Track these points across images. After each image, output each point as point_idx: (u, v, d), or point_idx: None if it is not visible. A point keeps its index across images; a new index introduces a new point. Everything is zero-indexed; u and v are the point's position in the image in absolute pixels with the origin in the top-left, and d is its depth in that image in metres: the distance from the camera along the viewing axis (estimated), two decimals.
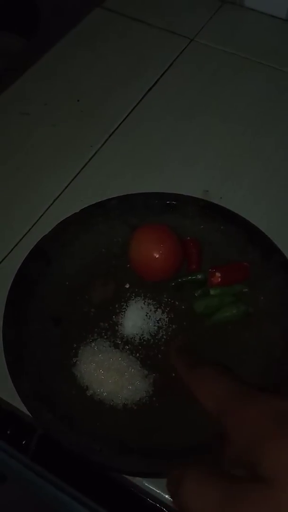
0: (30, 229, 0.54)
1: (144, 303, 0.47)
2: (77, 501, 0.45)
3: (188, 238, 0.49)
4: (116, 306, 0.47)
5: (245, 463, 0.27)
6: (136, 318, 0.46)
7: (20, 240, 0.53)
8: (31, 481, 0.48)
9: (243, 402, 0.30)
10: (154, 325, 0.46)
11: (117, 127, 0.63)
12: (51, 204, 0.56)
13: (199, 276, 0.48)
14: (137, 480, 0.40)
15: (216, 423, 0.31)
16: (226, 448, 0.30)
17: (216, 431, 0.30)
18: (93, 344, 0.45)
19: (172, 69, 0.69)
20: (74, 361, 0.44)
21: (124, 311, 0.47)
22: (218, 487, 0.26)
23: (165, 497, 0.40)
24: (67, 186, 0.58)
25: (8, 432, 0.43)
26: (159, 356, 0.45)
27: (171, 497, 0.29)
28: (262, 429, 0.27)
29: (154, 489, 0.40)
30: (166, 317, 0.47)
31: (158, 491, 0.40)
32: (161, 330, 0.46)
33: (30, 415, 0.41)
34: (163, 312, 0.47)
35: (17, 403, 0.42)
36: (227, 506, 0.25)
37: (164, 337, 0.46)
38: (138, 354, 0.45)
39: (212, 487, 0.26)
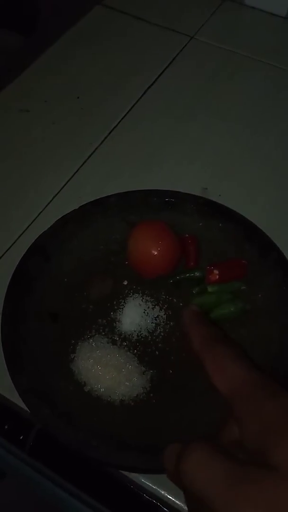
0: (29, 226, 0.54)
1: (142, 300, 0.47)
2: (74, 496, 0.45)
3: (187, 235, 0.49)
4: (114, 302, 0.47)
5: (254, 450, 0.27)
6: (134, 315, 0.47)
7: (19, 237, 0.53)
8: (28, 476, 0.48)
9: (263, 392, 0.30)
10: (152, 322, 0.46)
11: (116, 125, 0.63)
12: (50, 201, 0.56)
13: (197, 274, 0.48)
14: (133, 476, 0.40)
15: (226, 403, 0.31)
16: (232, 429, 0.30)
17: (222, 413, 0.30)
18: (91, 340, 0.45)
19: (172, 67, 0.69)
20: (72, 357, 0.44)
21: (122, 308, 0.47)
22: (225, 464, 0.26)
23: (161, 493, 0.40)
24: (66, 183, 0.58)
25: (6, 427, 0.43)
26: (157, 353, 0.45)
27: (168, 473, 0.30)
28: (281, 423, 0.27)
29: (150, 485, 0.40)
30: (164, 314, 0.47)
31: (154, 487, 0.40)
32: (158, 327, 0.46)
33: (27, 410, 0.41)
34: (161, 309, 0.47)
35: (15, 398, 0.42)
36: (236, 483, 0.25)
37: (162, 334, 0.46)
38: (135, 351, 0.45)
39: (220, 463, 0.26)
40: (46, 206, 0.56)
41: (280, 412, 0.28)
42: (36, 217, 0.55)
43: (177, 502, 0.39)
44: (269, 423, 0.27)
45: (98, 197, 0.52)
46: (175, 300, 0.47)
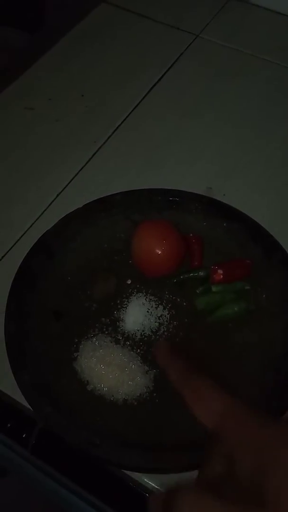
0: (33, 224, 0.54)
1: (145, 299, 0.47)
2: (76, 495, 0.45)
3: (191, 234, 0.49)
4: (118, 301, 0.47)
5: (247, 485, 0.26)
6: (138, 314, 0.46)
7: (23, 234, 0.53)
8: (31, 475, 0.48)
9: (250, 423, 0.29)
10: (155, 322, 0.46)
11: (121, 123, 0.63)
12: (54, 199, 0.56)
13: (201, 273, 0.48)
14: (136, 476, 0.40)
15: (210, 435, 0.30)
16: (216, 464, 0.28)
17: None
18: (94, 339, 0.45)
19: (177, 65, 0.69)
20: (75, 355, 0.44)
21: (126, 307, 0.47)
22: (218, 508, 0.25)
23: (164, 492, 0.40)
24: (70, 181, 0.58)
25: (9, 425, 0.43)
26: None
27: None
28: (274, 455, 0.26)
29: (153, 484, 0.40)
30: (168, 314, 0.47)
31: (157, 487, 0.40)
32: (162, 326, 0.46)
33: (30, 408, 0.41)
34: (164, 309, 0.47)
35: (18, 396, 0.42)
36: None
37: (165, 333, 0.46)
38: (139, 350, 0.45)
39: (212, 507, 0.25)
40: (50, 204, 0.56)
41: (271, 443, 0.27)
42: (40, 215, 0.55)
43: None
44: (261, 456, 0.26)
45: (102, 196, 0.52)
46: (178, 299, 0.47)
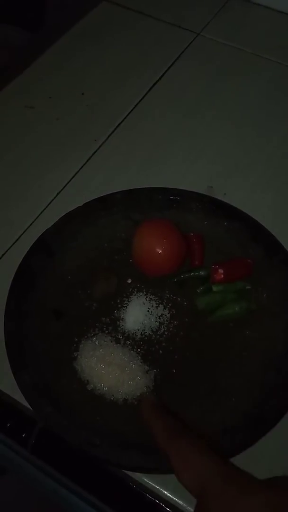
0: (32, 223, 0.54)
1: (146, 298, 0.47)
2: (76, 495, 0.45)
3: (191, 234, 0.49)
4: (118, 301, 0.47)
5: None
6: (138, 314, 0.46)
7: (23, 233, 0.53)
8: (30, 474, 0.48)
9: (233, 489, 0.29)
10: (156, 321, 0.46)
11: (121, 121, 0.63)
12: (54, 197, 0.56)
13: (201, 273, 0.48)
14: (136, 476, 0.40)
15: (196, 499, 0.30)
16: None
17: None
18: (94, 338, 0.45)
19: (177, 64, 0.69)
20: (75, 355, 0.44)
21: (126, 306, 0.47)
22: None
23: (164, 493, 0.39)
24: (70, 179, 0.57)
25: (8, 425, 0.43)
26: (160, 352, 0.44)
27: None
28: None
29: (153, 484, 0.40)
30: (168, 313, 0.46)
31: (157, 487, 0.40)
32: (162, 326, 0.46)
33: (30, 408, 0.41)
34: (164, 308, 0.47)
35: (18, 396, 0.42)
36: None
37: (166, 333, 0.45)
38: (139, 350, 0.44)
39: None
40: (50, 202, 0.55)
41: (258, 508, 0.27)
42: (40, 214, 0.54)
43: (180, 502, 0.39)
44: None
45: (103, 194, 0.52)
46: (179, 299, 0.47)
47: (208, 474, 0.30)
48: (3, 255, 0.52)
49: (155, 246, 0.46)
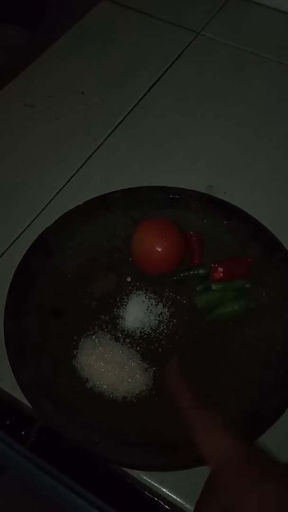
0: (32, 221, 0.54)
1: (145, 297, 0.47)
2: (75, 492, 0.45)
3: (191, 232, 0.49)
4: (117, 299, 0.47)
5: None
6: (137, 312, 0.46)
7: (23, 232, 0.53)
8: (30, 472, 0.48)
9: (255, 471, 0.29)
10: (155, 319, 0.46)
11: (121, 121, 0.63)
12: (54, 196, 0.56)
13: (201, 271, 0.48)
14: (135, 473, 0.40)
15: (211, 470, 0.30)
16: (218, 499, 0.29)
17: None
18: (93, 336, 0.45)
19: (177, 63, 0.69)
20: (75, 353, 0.44)
21: (125, 305, 0.47)
22: None
23: (163, 490, 0.40)
24: (70, 178, 0.58)
25: (8, 422, 0.43)
26: (160, 350, 0.44)
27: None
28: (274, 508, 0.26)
29: (152, 482, 0.40)
30: (167, 311, 0.46)
31: (156, 484, 0.40)
32: (162, 324, 0.46)
33: (30, 406, 0.41)
34: (164, 306, 0.47)
35: (17, 394, 0.42)
36: None
37: (165, 331, 0.45)
38: (138, 348, 0.45)
39: None
40: (50, 201, 0.55)
41: (273, 495, 0.27)
42: (40, 213, 0.55)
43: (178, 499, 0.39)
44: (263, 507, 0.27)
45: (102, 193, 0.52)
46: (178, 297, 0.47)
47: (232, 451, 0.30)
48: (2, 254, 0.52)
49: (155, 245, 0.46)
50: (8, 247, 0.52)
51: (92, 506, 0.45)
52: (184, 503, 0.39)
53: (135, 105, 0.64)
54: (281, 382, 0.41)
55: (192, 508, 0.38)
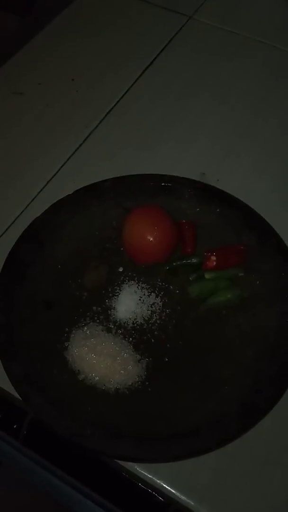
0: (22, 212, 0.53)
1: (137, 287, 0.46)
2: (68, 485, 0.44)
3: (184, 221, 0.48)
4: (109, 290, 0.46)
5: None
6: (130, 302, 0.46)
7: (12, 222, 0.52)
8: (23, 465, 0.47)
9: None
10: (148, 310, 0.45)
11: (112, 107, 0.61)
12: (44, 186, 0.55)
13: (194, 260, 0.47)
14: (128, 465, 0.40)
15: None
16: None
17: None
18: (85, 328, 0.44)
19: (169, 48, 0.67)
20: (66, 345, 0.43)
21: (117, 295, 0.46)
22: None
23: (156, 482, 0.39)
24: (60, 167, 0.56)
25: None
26: (152, 340, 0.44)
27: None
28: None
29: (145, 473, 0.39)
30: (160, 302, 0.46)
31: (149, 476, 0.39)
32: (154, 314, 0.45)
33: (20, 399, 0.41)
34: (157, 296, 0.46)
35: (8, 387, 0.41)
36: None
37: (158, 321, 0.45)
38: (131, 339, 0.44)
39: None
40: (40, 191, 0.54)
41: None
42: (30, 203, 0.54)
43: (172, 491, 0.39)
44: None
45: (93, 182, 0.51)
46: (171, 287, 0.46)
47: None
48: None
49: (146, 234, 0.46)
50: None
51: (86, 498, 0.44)
52: (178, 494, 0.39)
53: (126, 91, 0.63)
54: (275, 371, 0.41)
55: (186, 499, 0.38)
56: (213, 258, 0.46)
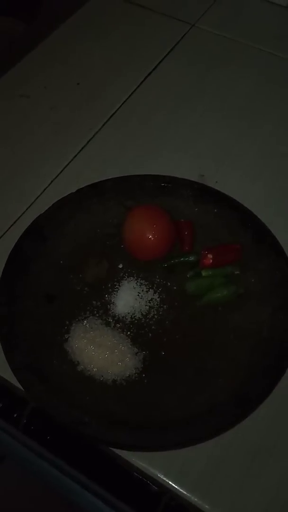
0: (26, 209, 0.54)
1: (136, 283, 0.48)
2: (66, 475, 0.45)
3: (182, 220, 0.50)
4: (109, 285, 0.48)
5: None
6: (128, 298, 0.47)
7: (17, 219, 0.54)
8: (24, 456, 0.48)
9: None
10: (146, 305, 0.47)
11: (116, 111, 0.63)
12: (48, 185, 0.57)
13: (191, 258, 0.48)
14: (124, 454, 0.41)
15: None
16: None
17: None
18: (85, 321, 0.46)
19: (172, 54, 0.69)
20: (66, 337, 0.45)
21: (117, 291, 0.47)
22: None
23: (151, 471, 0.40)
24: (64, 167, 0.58)
25: (0, 405, 0.44)
26: (150, 334, 0.45)
27: None
28: None
29: (141, 463, 0.40)
30: (158, 297, 0.47)
31: (144, 465, 0.40)
32: (152, 310, 0.47)
33: (21, 388, 0.42)
34: (155, 293, 0.47)
35: (9, 376, 0.42)
36: None
37: (155, 316, 0.46)
38: (129, 332, 0.45)
39: None
40: (44, 190, 0.56)
41: None
42: (34, 201, 0.55)
43: (167, 480, 0.40)
44: None
45: (96, 181, 0.53)
46: (169, 283, 0.48)
47: None
48: None
49: (146, 232, 0.47)
50: (3, 234, 0.53)
51: (82, 487, 0.45)
52: (172, 483, 0.40)
53: (129, 96, 0.65)
54: (268, 365, 0.42)
55: (179, 488, 0.39)
56: (210, 256, 0.47)
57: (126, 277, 0.48)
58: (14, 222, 0.54)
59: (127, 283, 0.48)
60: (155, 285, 0.48)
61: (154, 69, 0.68)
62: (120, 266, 0.49)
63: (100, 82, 0.66)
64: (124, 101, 0.64)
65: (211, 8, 0.74)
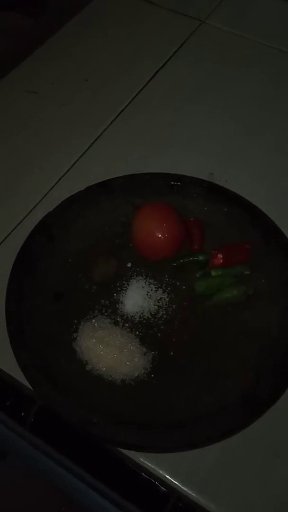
0: (35, 207, 0.54)
1: (145, 282, 0.48)
2: (72, 474, 0.45)
3: (191, 219, 0.49)
4: (118, 284, 0.48)
5: None
6: (137, 297, 0.47)
7: (25, 217, 0.53)
8: (30, 455, 0.48)
9: None
10: (155, 304, 0.46)
11: (124, 108, 0.63)
12: (56, 182, 0.56)
13: (200, 257, 0.48)
14: (132, 455, 0.41)
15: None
16: None
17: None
18: (93, 320, 0.45)
19: (181, 51, 0.69)
20: (75, 336, 0.45)
21: (125, 290, 0.47)
22: None
23: (160, 472, 0.40)
24: (72, 165, 0.58)
25: (7, 403, 0.44)
26: (158, 334, 0.45)
27: None
28: None
29: (149, 464, 0.40)
30: (167, 297, 0.47)
31: (153, 466, 0.40)
32: (161, 309, 0.46)
33: (29, 387, 0.42)
34: (163, 292, 0.47)
35: (17, 374, 0.42)
36: None
37: (164, 316, 0.46)
38: (137, 332, 0.45)
39: None
40: (53, 187, 0.56)
41: None
42: (42, 198, 0.55)
43: (175, 482, 0.40)
44: None
45: (104, 179, 0.52)
46: (178, 283, 0.48)
47: None
48: (6, 237, 0.52)
49: (155, 230, 0.47)
50: (11, 231, 0.52)
51: (89, 487, 0.45)
52: (179, 485, 0.40)
53: (138, 92, 0.64)
54: (278, 366, 0.41)
55: (187, 490, 0.39)
56: (220, 256, 0.47)
57: (134, 276, 0.48)
58: (23, 219, 0.53)
59: (135, 282, 0.48)
60: (164, 285, 0.47)
61: (163, 66, 0.67)
62: (129, 265, 0.49)
63: (108, 78, 0.66)
64: (133, 98, 0.64)
65: (221, 4, 0.74)
